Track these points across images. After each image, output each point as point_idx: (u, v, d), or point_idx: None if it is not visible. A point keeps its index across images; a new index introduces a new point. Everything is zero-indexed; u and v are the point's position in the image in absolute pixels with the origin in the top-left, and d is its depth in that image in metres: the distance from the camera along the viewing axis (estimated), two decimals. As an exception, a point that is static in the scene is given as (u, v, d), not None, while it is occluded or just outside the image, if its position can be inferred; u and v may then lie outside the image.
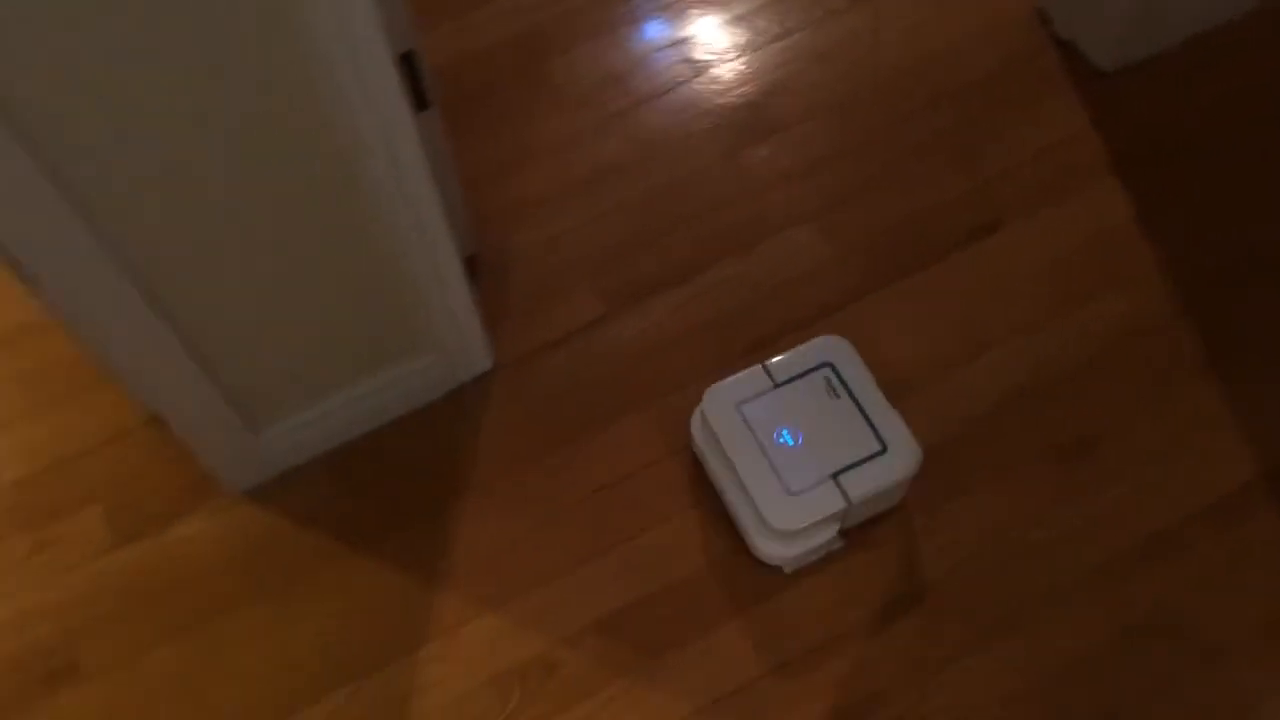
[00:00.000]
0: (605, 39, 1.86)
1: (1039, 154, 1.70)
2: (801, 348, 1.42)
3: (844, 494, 1.31)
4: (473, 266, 1.58)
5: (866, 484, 1.32)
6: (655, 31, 1.86)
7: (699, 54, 1.83)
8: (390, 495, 1.47)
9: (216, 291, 1.19)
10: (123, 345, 1.18)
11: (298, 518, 1.46)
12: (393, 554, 1.43)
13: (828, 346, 1.42)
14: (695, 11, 1.87)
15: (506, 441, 1.50)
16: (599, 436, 1.50)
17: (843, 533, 1.38)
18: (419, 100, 1.23)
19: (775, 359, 1.41)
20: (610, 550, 1.42)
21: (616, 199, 1.69)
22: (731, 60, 1.82)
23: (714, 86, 1.79)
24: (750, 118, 1.76)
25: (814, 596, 1.39)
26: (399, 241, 1.25)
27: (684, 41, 1.84)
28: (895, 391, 1.43)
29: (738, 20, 1.86)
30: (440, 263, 1.32)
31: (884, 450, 1.34)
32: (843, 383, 1.38)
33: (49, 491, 1.49)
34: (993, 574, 1.40)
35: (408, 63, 1.18)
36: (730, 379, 1.40)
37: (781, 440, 1.35)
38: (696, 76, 1.80)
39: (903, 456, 1.34)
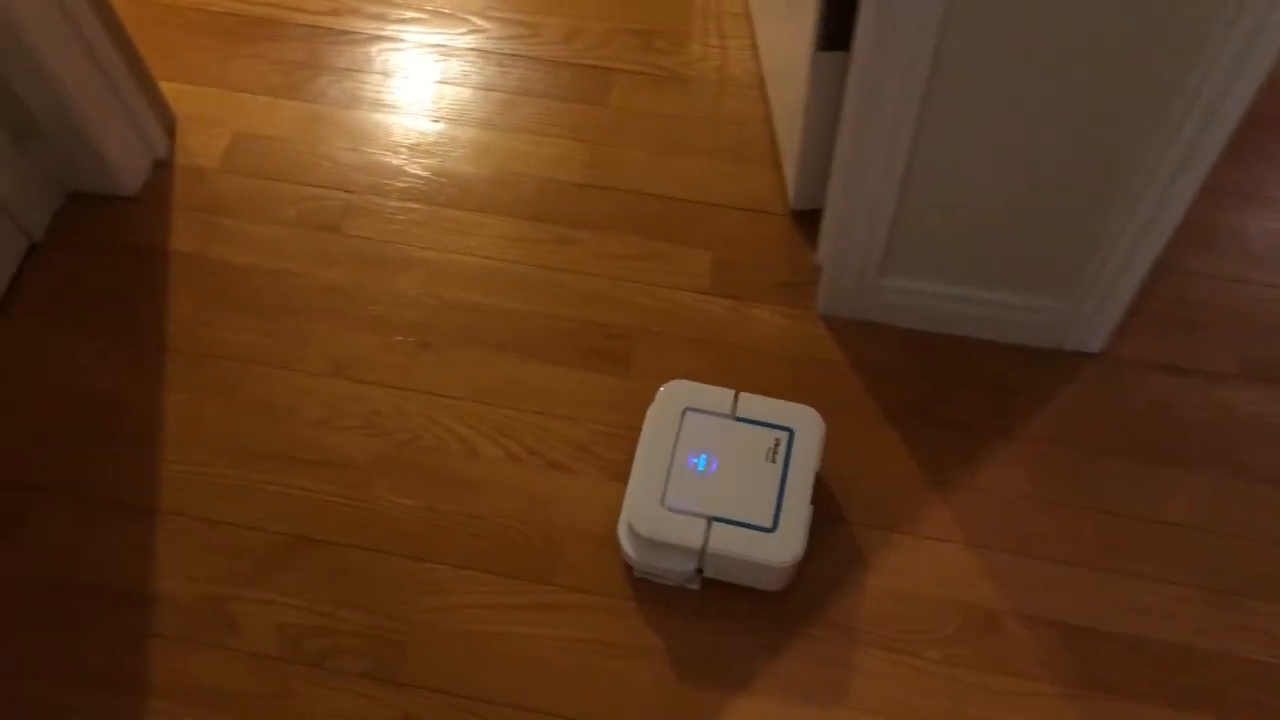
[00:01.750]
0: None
1: None
2: (782, 403, 1.38)
3: (706, 537, 1.28)
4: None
5: (731, 545, 1.29)
6: None
7: None
8: (943, 395, 1.50)
9: (969, 143, 1.24)
10: (863, 139, 1.27)
11: (856, 362, 1.53)
12: (917, 442, 1.46)
13: (803, 417, 1.36)
14: None
15: (1068, 419, 1.47)
16: (1164, 471, 1.43)
17: (705, 578, 1.35)
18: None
19: (752, 396, 1.38)
20: (1108, 570, 1.37)
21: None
22: None
23: None
24: None
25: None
26: (1139, 191, 1.24)
27: None
28: None
29: None
30: (1149, 234, 1.29)
31: (771, 530, 1.28)
32: (788, 454, 1.33)
33: (682, 220, 1.66)
34: None
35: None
36: (700, 385, 1.39)
37: (693, 461, 1.33)
38: None
39: (781, 545, 1.28)
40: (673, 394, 1.39)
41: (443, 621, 1.36)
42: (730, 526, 1.29)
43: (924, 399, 1.50)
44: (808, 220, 1.65)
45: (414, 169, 1.71)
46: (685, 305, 1.59)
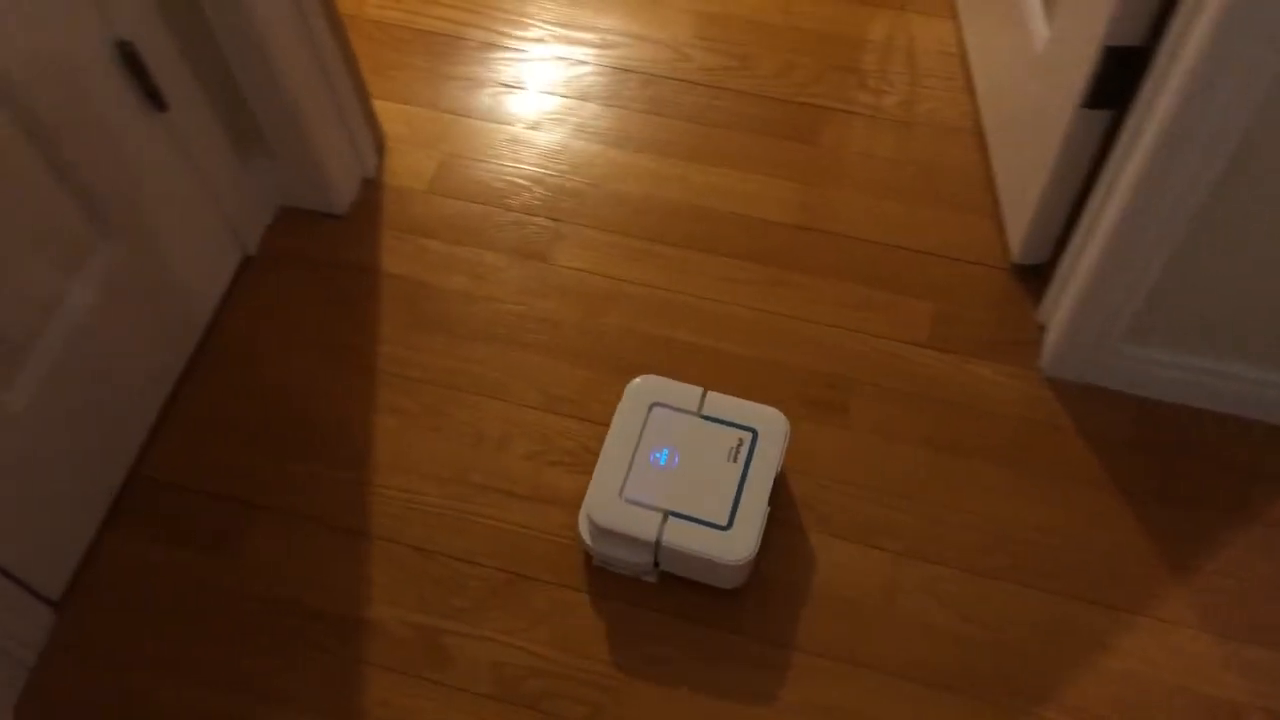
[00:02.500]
0: None
1: None
2: (749, 404, 1.38)
3: (661, 531, 1.29)
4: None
5: (685, 541, 1.29)
6: None
7: None
8: (1178, 469, 1.44)
9: (1265, 220, 1.19)
10: (1140, 206, 1.21)
11: (1083, 428, 1.47)
12: (1149, 518, 1.40)
13: (768, 419, 1.37)
14: None
15: (1312, 506, 1.41)
16: None
17: (662, 572, 1.36)
18: None
19: (719, 395, 1.38)
20: (1360, 674, 1.30)
21: None
22: None
23: None
24: None
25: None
26: None
27: None
28: None
29: None
30: None
31: (726, 528, 1.29)
32: (750, 455, 1.34)
33: (898, 268, 1.62)
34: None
35: None
36: (670, 380, 1.40)
37: (655, 455, 1.34)
38: None
39: (735, 544, 1.29)
40: (642, 388, 1.40)
41: (661, 672, 1.33)
42: (686, 522, 1.30)
43: (1157, 472, 1.44)
44: (1029, 275, 1.60)
45: (620, 199, 1.69)
46: (903, 358, 1.55)
